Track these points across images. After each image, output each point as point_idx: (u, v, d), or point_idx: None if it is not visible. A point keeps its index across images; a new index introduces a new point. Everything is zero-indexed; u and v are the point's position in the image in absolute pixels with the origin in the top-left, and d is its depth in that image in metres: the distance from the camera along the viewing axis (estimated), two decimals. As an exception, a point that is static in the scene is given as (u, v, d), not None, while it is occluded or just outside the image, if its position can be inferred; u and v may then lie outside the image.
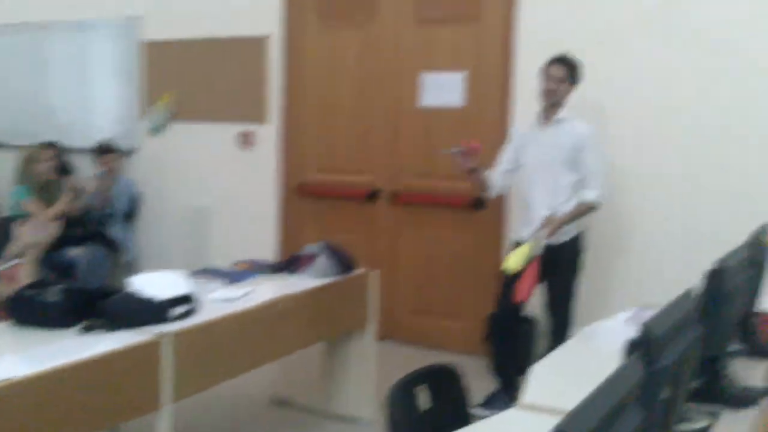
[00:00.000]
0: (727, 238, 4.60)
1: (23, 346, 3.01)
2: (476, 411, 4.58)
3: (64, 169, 6.56)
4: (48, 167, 6.15)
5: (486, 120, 5.49)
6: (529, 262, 4.32)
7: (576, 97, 4.59)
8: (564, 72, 4.44)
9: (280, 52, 6.26)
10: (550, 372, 2.75)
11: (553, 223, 4.38)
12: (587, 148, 4.41)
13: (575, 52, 4.87)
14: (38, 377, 2.60)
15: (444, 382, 2.38)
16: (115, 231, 6.75)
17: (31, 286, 3.40)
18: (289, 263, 4.31)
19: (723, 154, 4.85)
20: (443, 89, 5.62)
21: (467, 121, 5.55)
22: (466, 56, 5.57)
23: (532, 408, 2.40)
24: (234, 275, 4.13)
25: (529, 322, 5.18)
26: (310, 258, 4.23)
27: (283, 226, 6.39)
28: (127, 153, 7.07)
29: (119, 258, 6.82)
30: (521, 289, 4.37)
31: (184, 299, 3.50)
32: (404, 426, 2.19)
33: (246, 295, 3.75)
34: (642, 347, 1.62)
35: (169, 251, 6.90)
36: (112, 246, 6.68)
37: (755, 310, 2.91)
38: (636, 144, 5.07)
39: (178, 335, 3.14)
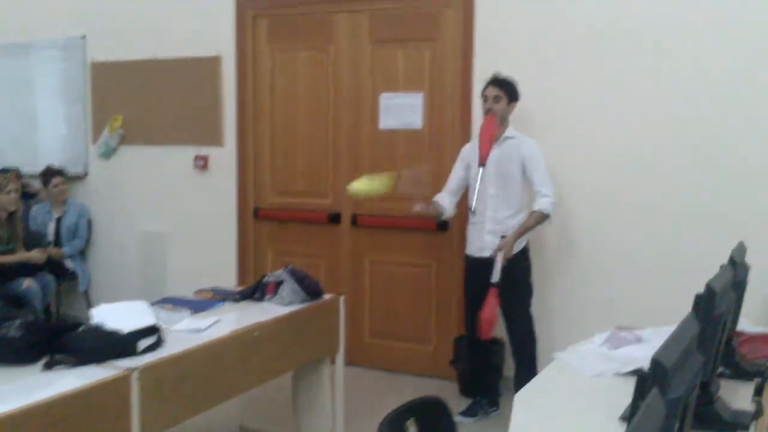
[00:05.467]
0: (700, 257, 4.65)
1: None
2: (459, 419, 4.63)
3: (27, 196, 6.39)
4: (12, 198, 5.88)
5: (446, 141, 5.45)
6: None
7: (534, 113, 4.91)
8: (498, 91, 4.66)
9: (233, 73, 6.15)
10: (535, 398, 2.72)
11: (509, 241, 4.52)
12: (534, 162, 4.59)
13: (530, 71, 5.02)
14: (6, 417, 2.47)
15: (433, 415, 2.30)
16: (68, 259, 6.59)
17: (-12, 321, 3.26)
18: (254, 290, 4.20)
19: (695, 173, 4.87)
20: (402, 111, 5.58)
21: (428, 143, 5.52)
22: (425, 77, 5.53)
23: (522, 435, 2.36)
24: (198, 304, 4.01)
25: (495, 343, 5.15)
26: (276, 285, 4.13)
27: (242, 251, 6.25)
28: (78, 177, 6.90)
29: (74, 287, 6.66)
30: (485, 327, 4.41)
31: (150, 331, 3.37)
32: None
33: (213, 325, 3.63)
34: (655, 378, 1.57)
35: (124, 279, 6.73)
36: (65, 275, 6.51)
37: (736, 330, 2.91)
38: (601, 164, 5.08)
39: (147, 369, 3.02)
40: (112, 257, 6.86)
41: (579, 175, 5.08)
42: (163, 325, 3.53)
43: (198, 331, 3.53)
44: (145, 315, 3.61)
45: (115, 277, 6.81)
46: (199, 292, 4.35)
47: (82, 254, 6.84)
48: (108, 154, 6.78)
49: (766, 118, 4.68)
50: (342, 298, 4.30)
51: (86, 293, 6.78)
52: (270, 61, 6.05)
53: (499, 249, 4.53)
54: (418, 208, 4.69)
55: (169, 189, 6.53)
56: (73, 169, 6.89)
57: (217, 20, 6.15)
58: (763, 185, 4.70)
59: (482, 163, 4.57)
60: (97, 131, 6.80)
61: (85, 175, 6.92)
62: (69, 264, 6.62)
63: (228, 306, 4.07)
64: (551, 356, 3.21)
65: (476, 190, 4.55)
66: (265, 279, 4.22)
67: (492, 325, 4.51)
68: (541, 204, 4.55)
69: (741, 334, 3.07)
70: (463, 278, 4.99)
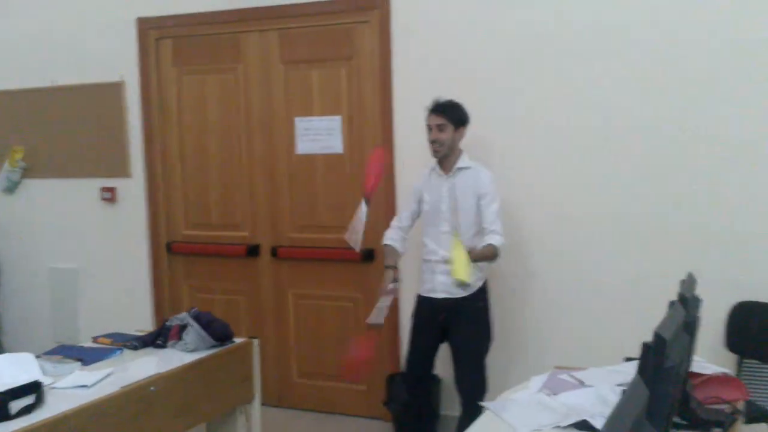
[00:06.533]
0: (647, 287, 4.38)
1: None
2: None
3: None
4: None
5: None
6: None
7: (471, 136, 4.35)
8: (440, 119, 4.19)
9: (137, 98, 5.73)
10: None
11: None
12: (488, 197, 4.13)
13: (461, 88, 4.60)
14: None
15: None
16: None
17: None
18: (157, 336, 3.78)
19: (640, 194, 4.49)
20: (320, 134, 5.21)
21: (349, 168, 5.17)
22: (342, 98, 5.17)
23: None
24: (92, 354, 3.59)
25: (432, 381, 4.79)
26: (181, 329, 3.72)
27: (156, 287, 5.82)
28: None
29: None
30: (351, 368, 3.99)
31: (28, 389, 2.98)
32: None
33: (103, 379, 3.21)
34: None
35: (35, 319, 6.31)
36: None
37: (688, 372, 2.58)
38: (541, 184, 4.71)
39: (18, 437, 2.61)
40: (21, 297, 6.40)
41: (528, 202, 4.73)
42: (46, 381, 3.14)
43: (85, 386, 3.11)
44: (28, 370, 3.24)
45: (25, 318, 6.38)
46: (98, 338, 3.93)
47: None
48: (11, 188, 6.31)
49: (727, 147, 4.31)
50: (256, 342, 3.90)
51: (-7, 337, 6.36)
52: (176, 85, 5.64)
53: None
54: (390, 287, 4.19)
55: (77, 223, 6.08)
56: (-27, 205, 6.42)
57: (119, 42, 5.73)
58: (716, 212, 4.34)
59: (367, 198, 4.18)
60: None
61: (-13, 211, 6.45)
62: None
63: (126, 354, 3.67)
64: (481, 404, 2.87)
65: (359, 231, 4.17)
66: (168, 323, 3.82)
67: (360, 368, 4.08)
68: (495, 239, 4.05)
69: (696, 375, 2.75)
70: (412, 317, 4.47)
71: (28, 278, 6.33)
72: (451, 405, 4.75)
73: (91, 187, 5.96)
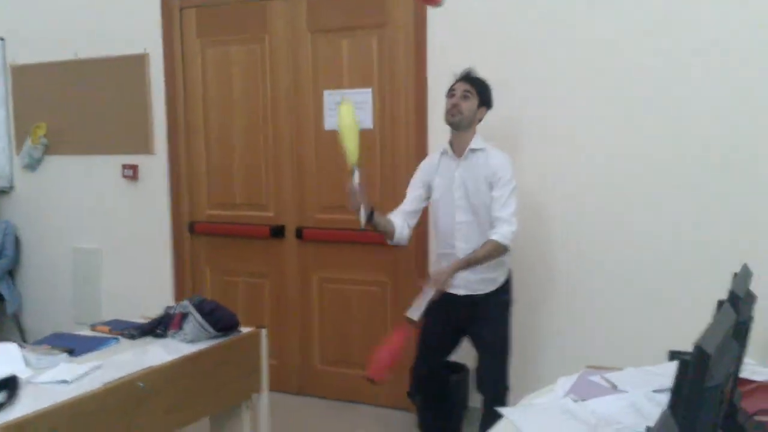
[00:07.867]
0: (698, 277, 4.02)
1: None
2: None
3: None
4: None
5: (399, 142, 4.77)
6: None
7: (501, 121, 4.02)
8: (469, 86, 3.80)
9: (161, 71, 5.45)
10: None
11: (445, 273, 3.60)
12: (501, 179, 3.70)
13: (497, 63, 4.28)
14: None
15: None
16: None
17: None
18: (157, 324, 3.50)
19: (676, 191, 4.12)
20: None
21: (379, 145, 4.82)
22: (373, 69, 4.82)
23: None
24: (85, 344, 3.32)
25: (459, 371, 4.46)
26: (183, 317, 3.43)
27: (178, 269, 5.57)
28: (2, 192, 6.28)
29: (1, 310, 6.22)
30: (374, 367, 3.57)
31: (2, 384, 2.71)
32: None
33: (89, 373, 2.93)
34: None
35: (57, 300, 6.13)
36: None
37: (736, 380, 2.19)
38: (561, 175, 4.36)
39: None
40: (43, 277, 6.23)
41: (558, 194, 4.38)
42: (26, 375, 2.87)
43: (65, 382, 2.83)
44: (9, 362, 2.97)
45: (47, 299, 6.21)
46: (96, 325, 3.67)
47: (11, 274, 6.24)
48: (33, 165, 6.11)
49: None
50: (264, 332, 3.59)
51: (15, 316, 6.26)
52: (200, 57, 5.35)
53: (433, 282, 3.60)
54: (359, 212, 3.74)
55: (99, 202, 5.87)
56: (-3, 183, 6.26)
57: (142, 13, 5.46)
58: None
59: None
60: (21, 141, 6.13)
61: (11, 188, 6.27)
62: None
63: (123, 344, 3.38)
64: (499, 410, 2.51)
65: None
66: (171, 310, 3.53)
67: (385, 367, 3.59)
68: (500, 233, 3.64)
69: (746, 382, 2.37)
70: None
71: (50, 257, 6.16)
72: (479, 397, 4.43)
73: (113, 164, 5.74)
